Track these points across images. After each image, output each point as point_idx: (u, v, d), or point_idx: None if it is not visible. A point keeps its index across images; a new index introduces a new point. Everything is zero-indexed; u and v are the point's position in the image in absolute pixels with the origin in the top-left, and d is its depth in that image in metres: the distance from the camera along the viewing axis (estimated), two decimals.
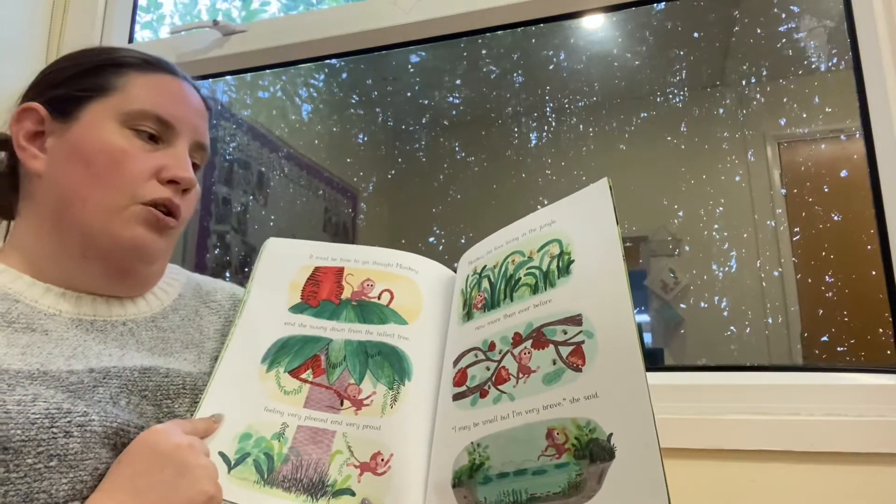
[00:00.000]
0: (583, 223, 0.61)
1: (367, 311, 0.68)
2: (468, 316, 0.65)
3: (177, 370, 0.63)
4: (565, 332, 0.56)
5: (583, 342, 0.54)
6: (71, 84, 0.65)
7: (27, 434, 0.50)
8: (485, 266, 0.67)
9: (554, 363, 0.55)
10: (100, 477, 0.52)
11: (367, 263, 0.72)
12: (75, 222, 0.62)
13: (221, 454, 0.58)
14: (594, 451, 0.50)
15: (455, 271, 0.73)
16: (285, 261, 0.73)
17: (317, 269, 0.72)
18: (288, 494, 0.56)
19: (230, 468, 0.58)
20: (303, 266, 0.72)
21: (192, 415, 0.62)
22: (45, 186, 0.64)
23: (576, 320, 0.56)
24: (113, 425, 0.54)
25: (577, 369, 0.53)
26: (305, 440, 0.59)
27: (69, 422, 0.52)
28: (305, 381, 0.63)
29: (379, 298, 0.69)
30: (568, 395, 0.52)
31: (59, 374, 0.55)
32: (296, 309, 0.69)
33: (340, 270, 0.71)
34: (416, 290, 0.69)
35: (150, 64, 0.67)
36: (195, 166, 0.69)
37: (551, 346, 0.56)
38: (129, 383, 0.59)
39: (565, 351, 0.55)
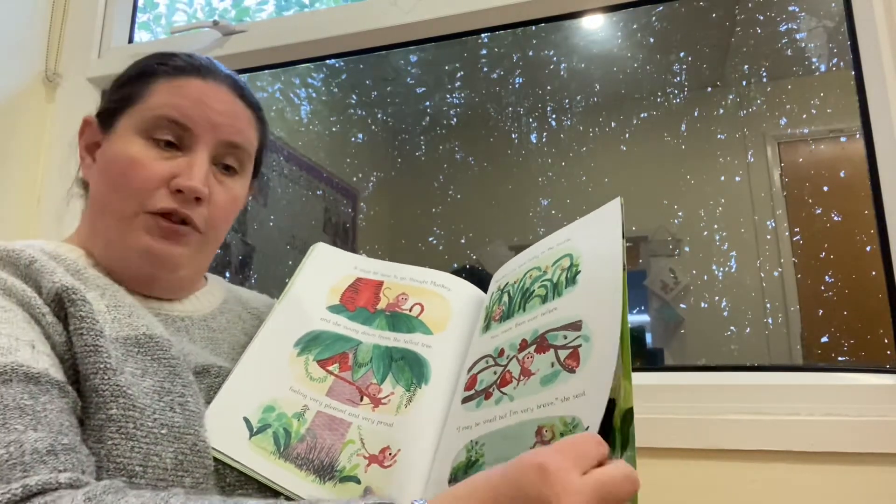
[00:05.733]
0: (593, 238, 0.64)
1: (398, 320, 0.73)
2: (487, 327, 0.69)
3: (226, 368, 0.66)
4: (565, 337, 0.58)
5: (580, 346, 0.56)
6: (112, 95, 0.69)
7: (145, 401, 0.54)
8: (507, 283, 0.71)
9: (552, 366, 0.57)
10: (197, 452, 0.55)
11: (404, 279, 0.77)
12: (101, 231, 0.66)
13: (245, 419, 0.62)
14: None
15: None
16: (331, 266, 0.79)
17: (358, 279, 0.77)
18: (299, 471, 0.60)
19: (251, 434, 0.62)
20: (346, 274, 0.78)
21: None
22: (92, 194, 0.69)
23: (576, 326, 0.57)
24: (202, 409, 0.58)
25: (572, 371, 0.55)
26: (322, 425, 0.63)
27: (172, 399, 0.56)
28: (331, 373, 0.67)
29: (410, 311, 0.73)
30: (560, 394, 0.54)
31: (163, 341, 0.59)
32: (333, 309, 0.74)
33: (380, 284, 0.77)
34: (446, 305, 0.74)
35: (174, 68, 0.67)
36: (231, 169, 0.69)
37: (552, 350, 0.58)
38: (193, 380, 0.62)
39: (563, 354, 0.57)
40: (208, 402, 0.62)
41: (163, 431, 0.53)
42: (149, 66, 0.68)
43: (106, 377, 0.53)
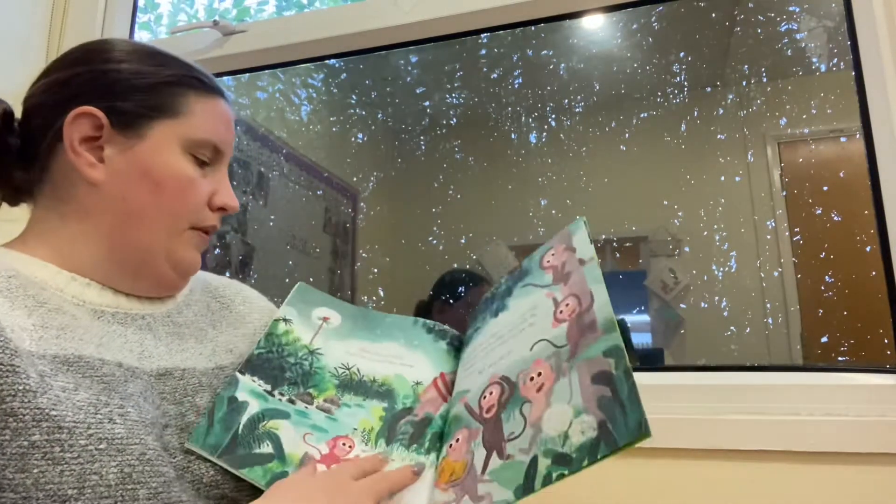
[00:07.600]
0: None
1: None
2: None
3: (192, 369, 0.65)
4: None
5: None
6: (137, 99, 0.64)
7: (77, 417, 0.52)
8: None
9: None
10: (147, 461, 0.53)
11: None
12: (134, 241, 0.64)
13: None
14: None
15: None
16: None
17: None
18: None
19: None
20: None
21: (213, 405, 0.63)
22: (103, 198, 0.63)
23: None
24: (148, 417, 0.57)
25: None
26: None
27: (110, 410, 0.54)
28: None
29: None
30: None
31: (93, 361, 0.57)
32: None
33: None
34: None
35: (206, 85, 0.68)
36: None
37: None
38: (149, 385, 0.60)
39: None
40: (173, 404, 0.61)
41: (101, 446, 0.51)
42: (178, 76, 0.66)
43: (26, 399, 0.50)
